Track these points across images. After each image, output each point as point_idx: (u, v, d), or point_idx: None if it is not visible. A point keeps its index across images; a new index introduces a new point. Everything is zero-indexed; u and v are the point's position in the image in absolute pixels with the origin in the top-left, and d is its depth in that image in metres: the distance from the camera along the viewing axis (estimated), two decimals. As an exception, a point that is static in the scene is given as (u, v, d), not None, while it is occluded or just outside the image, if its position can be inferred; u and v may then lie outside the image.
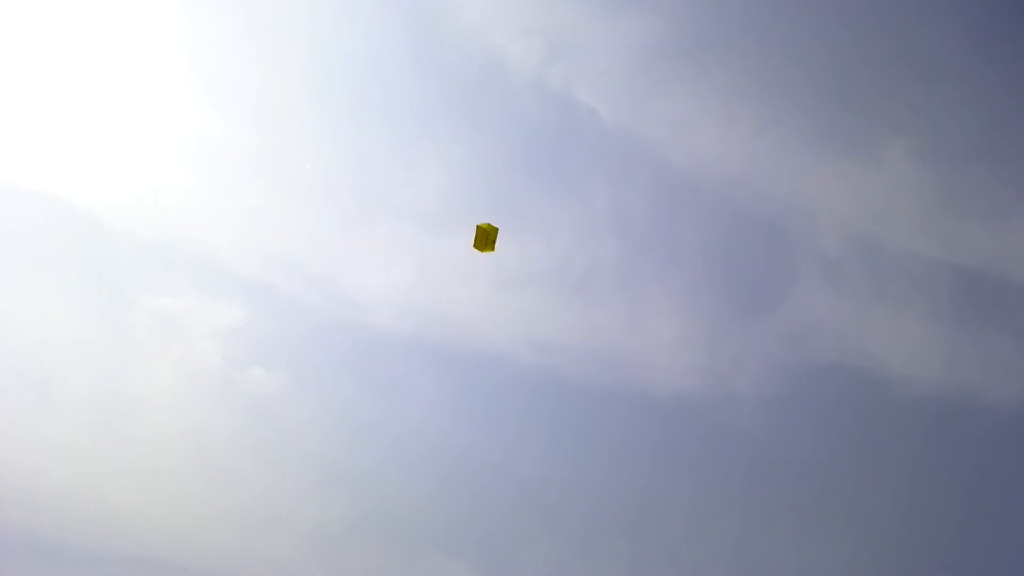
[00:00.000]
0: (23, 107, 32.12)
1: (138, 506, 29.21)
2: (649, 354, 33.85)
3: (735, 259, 35.10)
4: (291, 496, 30.51)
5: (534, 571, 30.17)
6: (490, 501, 31.28)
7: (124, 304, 31.62)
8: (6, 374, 29.52)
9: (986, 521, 30.73)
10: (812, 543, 30.63)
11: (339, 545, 30.06)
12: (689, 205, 35.23)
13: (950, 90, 34.50)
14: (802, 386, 33.08)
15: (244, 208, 33.10)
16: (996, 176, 33.89)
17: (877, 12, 34.75)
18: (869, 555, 30.04)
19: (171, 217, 32.61)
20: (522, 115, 35.20)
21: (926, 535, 30.61)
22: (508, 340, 33.25)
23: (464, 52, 34.83)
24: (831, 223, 34.43)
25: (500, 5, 34.98)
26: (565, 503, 31.41)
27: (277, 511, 30.15)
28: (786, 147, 34.92)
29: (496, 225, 19.66)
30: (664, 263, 34.84)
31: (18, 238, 30.93)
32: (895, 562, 29.84)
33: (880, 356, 32.88)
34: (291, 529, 29.99)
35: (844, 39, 34.81)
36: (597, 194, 35.15)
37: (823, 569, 29.87)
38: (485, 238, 19.76)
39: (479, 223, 19.73)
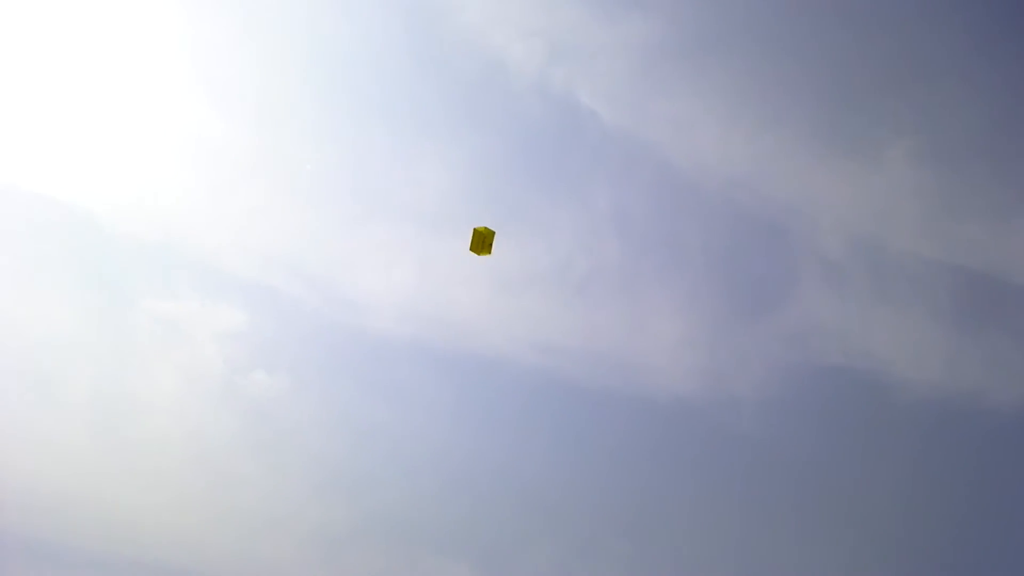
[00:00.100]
0: (23, 109, 32.23)
1: (139, 509, 29.31)
2: (650, 356, 33.88)
3: (736, 260, 35.13)
4: (293, 499, 30.61)
5: (536, 573, 30.22)
6: (492, 503, 31.35)
7: (125, 306, 31.73)
8: (8, 376, 29.64)
9: (988, 523, 30.71)
10: (813, 545, 30.64)
11: (341, 547, 30.14)
12: (690, 206, 35.25)
13: (951, 90, 34.47)
14: (803, 388, 33.09)
15: (244, 209, 33.18)
16: (997, 176, 33.85)
17: (877, 12, 34.73)
18: (871, 557, 30.04)
19: (171, 218, 32.71)
20: (523, 116, 35.24)
21: (928, 537, 30.61)
22: (509, 342, 33.29)
23: (465, 53, 34.87)
24: (832, 224, 34.43)
25: (501, 6, 35.01)
26: (566, 505, 31.47)
27: (279, 514, 30.23)
28: (787, 148, 34.92)
29: (493, 228, 19.65)
30: (665, 264, 34.85)
31: (19, 240, 31.02)
32: (897, 564, 29.84)
33: (881, 358, 32.86)
34: (293, 531, 30.06)
35: (844, 39, 34.79)
36: (598, 195, 35.18)
37: (825, 571, 29.90)
38: (482, 241, 19.77)
39: (476, 227, 19.74)
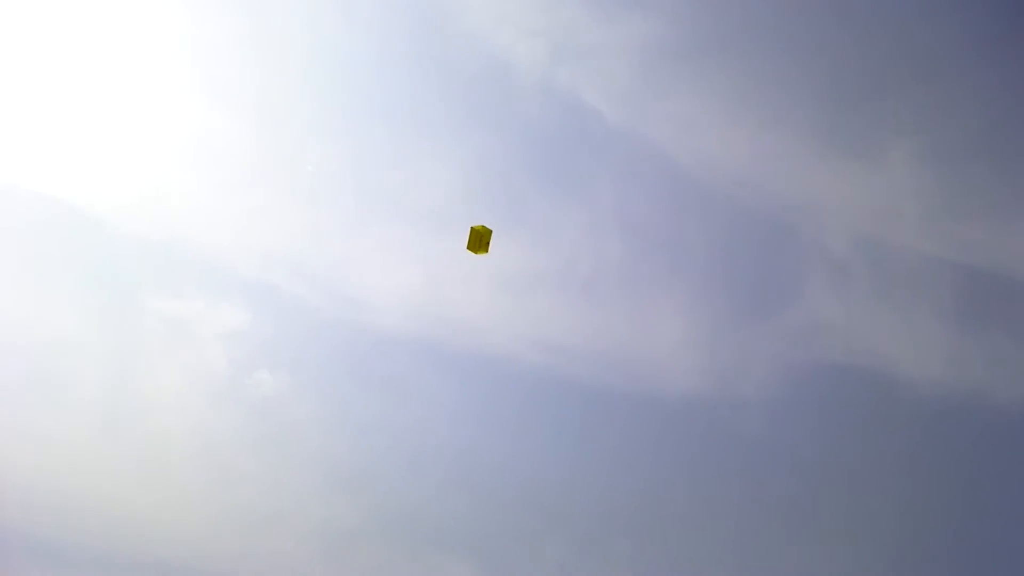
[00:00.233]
0: (25, 109, 32.40)
1: (143, 507, 29.44)
2: (654, 355, 33.85)
3: (740, 259, 35.06)
4: (295, 495, 30.70)
5: (538, 571, 30.24)
6: (494, 501, 31.37)
7: (128, 306, 31.86)
8: (11, 376, 29.79)
9: (993, 522, 30.59)
10: (818, 544, 30.56)
11: (343, 544, 30.21)
12: (694, 205, 35.22)
13: (953, 90, 34.37)
14: (807, 387, 33.02)
15: (247, 209, 33.25)
16: (1000, 176, 33.74)
17: (878, 12, 34.67)
18: (875, 556, 29.96)
19: (174, 218, 32.81)
20: (527, 116, 35.26)
21: (933, 536, 30.51)
22: (512, 341, 33.30)
23: (468, 53, 34.93)
24: (835, 223, 34.37)
25: (505, 6, 35.05)
26: (569, 504, 31.46)
27: (281, 510, 30.34)
28: (789, 147, 34.88)
29: (490, 227, 19.70)
30: (669, 263, 34.84)
31: (21, 240, 31.18)
32: (901, 563, 29.76)
33: (885, 356, 32.78)
34: (295, 528, 30.15)
35: (846, 39, 34.75)
36: (602, 195, 35.18)
37: (829, 570, 29.82)
38: (479, 240, 19.80)
39: (473, 225, 19.79)
